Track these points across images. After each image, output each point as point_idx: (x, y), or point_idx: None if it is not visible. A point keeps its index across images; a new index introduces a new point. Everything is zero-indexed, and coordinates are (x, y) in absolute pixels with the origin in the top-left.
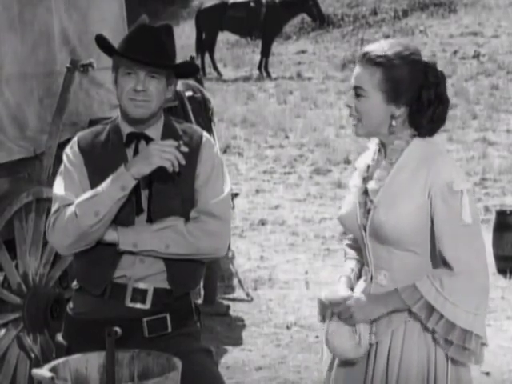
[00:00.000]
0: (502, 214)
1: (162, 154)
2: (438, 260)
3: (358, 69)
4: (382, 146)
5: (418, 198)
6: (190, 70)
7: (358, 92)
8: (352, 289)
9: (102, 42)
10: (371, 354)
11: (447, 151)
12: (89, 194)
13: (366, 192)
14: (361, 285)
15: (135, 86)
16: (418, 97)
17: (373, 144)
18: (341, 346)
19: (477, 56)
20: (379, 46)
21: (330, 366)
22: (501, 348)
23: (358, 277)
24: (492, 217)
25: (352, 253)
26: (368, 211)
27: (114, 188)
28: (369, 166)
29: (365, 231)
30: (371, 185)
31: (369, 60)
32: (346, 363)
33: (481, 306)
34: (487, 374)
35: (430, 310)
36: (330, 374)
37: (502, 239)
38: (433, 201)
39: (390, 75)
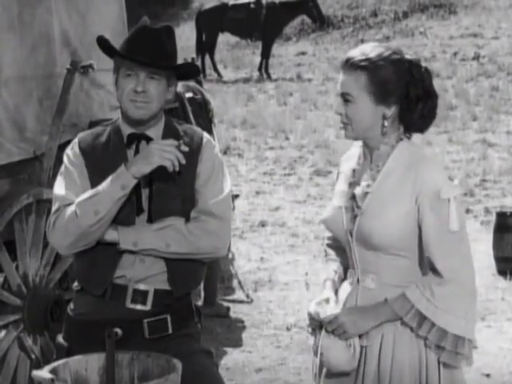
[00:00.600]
0: (502, 216)
1: (163, 153)
2: (426, 266)
3: (342, 76)
4: (368, 150)
5: (406, 205)
6: (191, 71)
7: (346, 98)
8: (337, 291)
9: (103, 44)
10: (362, 357)
11: (444, 152)
12: (89, 193)
13: (352, 197)
14: (346, 288)
15: (135, 87)
16: (406, 94)
17: (356, 147)
18: (336, 360)
19: (477, 57)
20: (360, 51)
21: (318, 372)
22: (501, 350)
23: (342, 279)
24: (492, 218)
25: (333, 253)
26: (355, 217)
27: (115, 187)
28: (354, 171)
29: (351, 236)
30: (358, 190)
31: (352, 65)
32: (336, 374)
33: (470, 310)
34: (487, 375)
35: (422, 318)
36: (319, 380)
37: (503, 240)
38: (420, 208)
39: (376, 77)
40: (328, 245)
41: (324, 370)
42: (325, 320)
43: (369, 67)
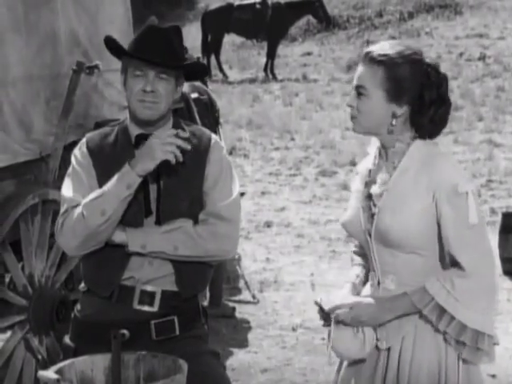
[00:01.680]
0: (507, 216)
1: (164, 147)
2: (447, 261)
3: (360, 68)
4: (383, 148)
5: (423, 201)
6: (200, 71)
7: (359, 91)
8: (358, 295)
9: (110, 44)
10: (382, 360)
11: (450, 152)
12: (95, 194)
13: (369, 196)
14: (367, 290)
15: (144, 87)
16: (420, 96)
17: (373, 148)
18: (345, 348)
19: (482, 58)
20: (381, 46)
21: (338, 367)
22: (507, 350)
23: (364, 282)
24: (498, 219)
25: (358, 259)
26: (372, 216)
27: (120, 187)
28: (370, 171)
29: (370, 236)
30: (374, 189)
31: (371, 59)
32: (355, 367)
33: (489, 306)
34: (493, 376)
35: (441, 311)
36: (338, 375)
37: (508, 241)
38: (438, 203)
39: (392, 73)
40: (354, 252)
41: (345, 364)
42: (341, 315)
43: (387, 63)
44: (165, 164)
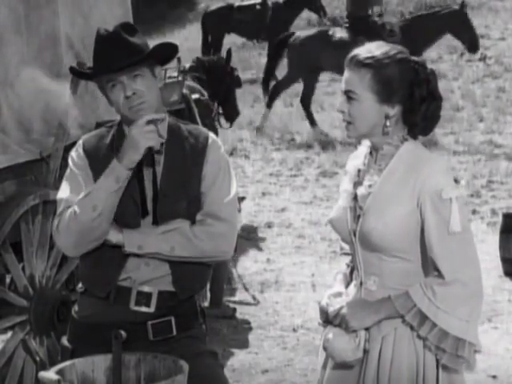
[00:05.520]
0: (508, 217)
1: (146, 135)
2: (430, 266)
3: (346, 73)
4: (374, 150)
5: (407, 205)
6: (168, 51)
7: (349, 95)
8: (348, 284)
9: (75, 73)
10: (363, 361)
11: (443, 156)
12: (86, 191)
13: (356, 197)
14: (351, 289)
15: (125, 94)
16: (411, 94)
17: (364, 146)
18: (339, 350)
19: (483, 58)
20: (366, 48)
21: (323, 365)
22: (507, 351)
23: (351, 272)
24: (499, 219)
25: (347, 247)
26: (358, 217)
27: (109, 181)
28: (359, 171)
29: (355, 237)
30: (361, 190)
31: (357, 63)
32: (340, 367)
33: (473, 313)
34: (494, 377)
35: (423, 318)
36: (324, 372)
37: (509, 242)
38: (422, 208)
39: (380, 75)
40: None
41: (330, 363)
42: (330, 314)
43: (374, 65)
44: (167, 170)
